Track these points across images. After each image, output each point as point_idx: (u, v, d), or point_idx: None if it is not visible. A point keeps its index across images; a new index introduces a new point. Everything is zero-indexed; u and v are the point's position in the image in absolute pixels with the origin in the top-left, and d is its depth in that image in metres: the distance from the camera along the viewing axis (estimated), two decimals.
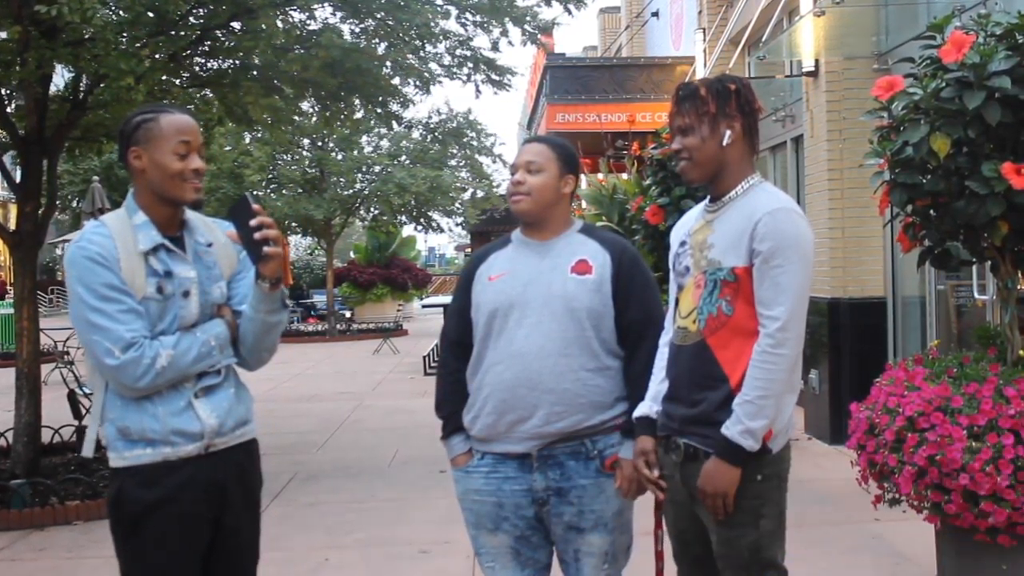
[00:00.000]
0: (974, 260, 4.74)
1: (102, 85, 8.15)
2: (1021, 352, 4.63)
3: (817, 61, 9.67)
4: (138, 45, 7.68)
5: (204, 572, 3.22)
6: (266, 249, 3.09)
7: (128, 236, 3.10)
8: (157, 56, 7.99)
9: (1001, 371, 4.46)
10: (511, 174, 3.57)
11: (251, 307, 3.21)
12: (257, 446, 3.40)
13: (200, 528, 3.16)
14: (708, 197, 3.36)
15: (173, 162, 3.09)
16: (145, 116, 3.15)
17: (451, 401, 3.62)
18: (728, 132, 3.21)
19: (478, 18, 9.77)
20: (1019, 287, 4.74)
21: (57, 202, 10.35)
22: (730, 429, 3.07)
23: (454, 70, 10.19)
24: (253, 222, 3.09)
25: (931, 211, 4.57)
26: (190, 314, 3.15)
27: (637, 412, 3.40)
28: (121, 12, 7.78)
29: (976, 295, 7.66)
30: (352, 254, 38.57)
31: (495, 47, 10.22)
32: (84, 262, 3.03)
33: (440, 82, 10.18)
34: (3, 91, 8.51)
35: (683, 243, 3.39)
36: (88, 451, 3.28)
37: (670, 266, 3.45)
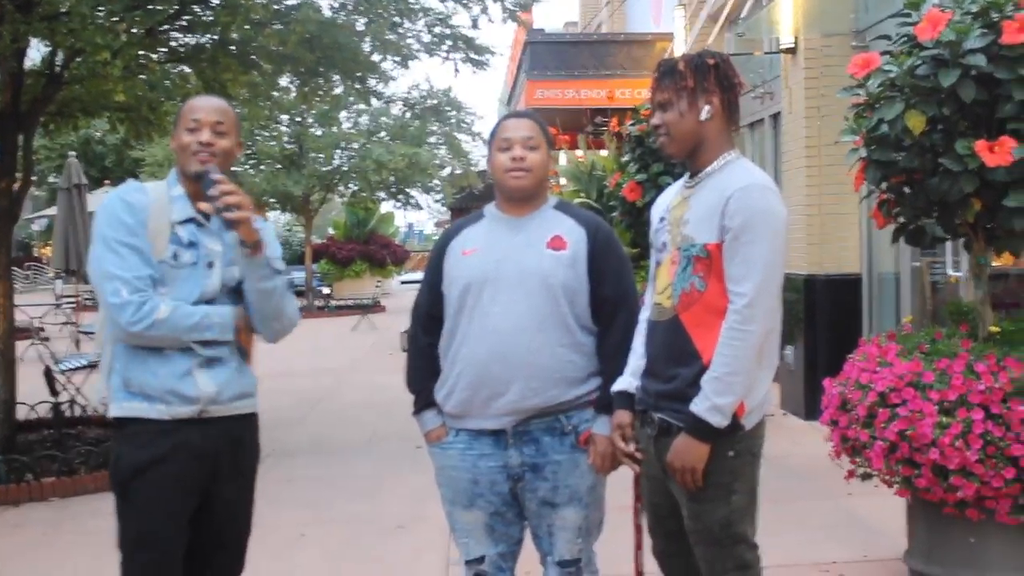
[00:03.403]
0: (948, 237, 4.76)
1: (78, 60, 8.10)
2: (992, 328, 4.66)
3: (796, 38, 9.68)
4: (114, 19, 7.61)
5: (194, 539, 3.33)
6: (226, 214, 3.22)
7: (164, 203, 3.31)
8: (133, 31, 7.92)
9: (972, 347, 4.49)
10: (502, 149, 3.51)
11: (245, 278, 3.34)
12: (256, 420, 3.54)
13: (189, 490, 3.29)
14: (687, 173, 3.37)
15: (184, 137, 3.32)
16: (183, 103, 3.47)
17: (422, 376, 3.62)
18: (707, 107, 3.22)
19: None
20: (991, 263, 4.78)
21: (33, 177, 10.29)
22: (698, 405, 3.10)
23: (433, 47, 10.15)
24: (212, 191, 3.21)
25: (905, 188, 4.59)
26: (212, 285, 3.33)
27: (616, 386, 3.42)
28: None
29: (950, 271, 7.72)
30: (331, 230, 38.43)
31: (475, 25, 10.18)
32: (116, 204, 3.27)
33: (419, 58, 10.15)
34: None
35: (662, 219, 3.40)
36: (97, 400, 3.42)
37: (651, 242, 3.47)
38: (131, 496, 3.25)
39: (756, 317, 3.08)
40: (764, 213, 3.12)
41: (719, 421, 3.09)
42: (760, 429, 3.28)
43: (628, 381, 3.40)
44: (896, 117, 4.33)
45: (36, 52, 9.10)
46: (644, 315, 3.44)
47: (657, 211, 3.47)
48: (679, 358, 3.20)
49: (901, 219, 4.75)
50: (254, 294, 3.35)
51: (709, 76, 3.24)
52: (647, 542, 3.54)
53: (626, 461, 3.41)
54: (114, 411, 3.29)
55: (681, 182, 3.42)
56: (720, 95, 3.25)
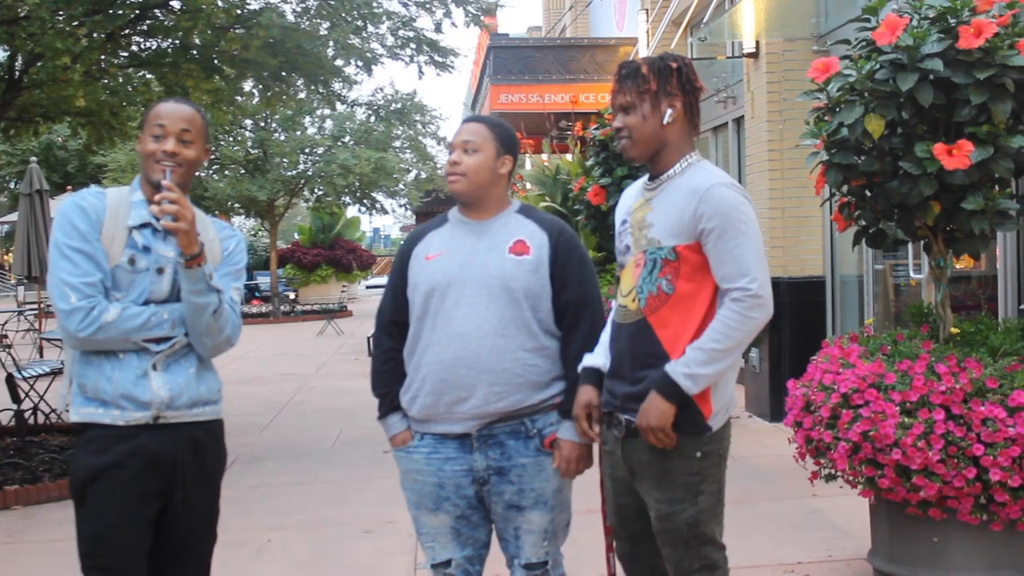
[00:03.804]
0: (908, 239, 4.81)
1: (38, 65, 8.04)
2: (952, 329, 4.72)
3: (757, 42, 9.75)
4: (75, 24, 7.56)
5: (157, 545, 3.32)
6: (162, 222, 3.19)
7: (122, 208, 3.29)
8: (94, 35, 7.88)
9: (933, 348, 4.54)
10: (449, 154, 3.57)
11: (181, 287, 3.30)
12: (220, 427, 3.52)
13: (146, 495, 3.26)
14: (648, 175, 3.38)
15: (148, 144, 3.29)
16: (149, 106, 3.45)
17: (387, 380, 3.62)
18: (669, 110, 3.25)
19: None
20: (952, 266, 4.83)
21: None
22: (675, 368, 3.12)
23: (397, 51, 10.15)
24: (156, 197, 3.19)
25: (866, 191, 4.63)
26: (161, 290, 3.30)
27: (586, 362, 3.42)
28: None
29: (911, 274, 7.79)
30: (296, 235, 38.34)
31: (438, 28, 10.20)
32: (70, 210, 3.24)
33: (382, 63, 10.15)
34: None
35: (624, 222, 3.41)
36: (62, 405, 3.41)
37: (616, 241, 3.48)
38: (86, 502, 3.24)
39: (761, 306, 3.14)
40: (735, 209, 3.17)
41: (689, 387, 3.12)
42: (727, 430, 3.31)
43: (599, 360, 3.41)
44: (856, 121, 4.37)
45: None
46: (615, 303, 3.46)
47: (619, 213, 3.49)
48: (646, 360, 3.22)
49: (862, 222, 4.79)
50: (187, 304, 3.29)
51: (672, 79, 3.26)
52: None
53: (588, 438, 3.42)
54: (73, 416, 3.28)
55: (641, 183, 3.43)
56: (682, 99, 3.28)
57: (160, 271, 3.29)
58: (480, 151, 3.49)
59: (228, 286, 3.39)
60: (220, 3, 8.44)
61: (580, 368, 3.43)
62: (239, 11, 8.83)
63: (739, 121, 11.15)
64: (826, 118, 4.63)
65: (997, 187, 4.45)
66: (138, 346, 3.23)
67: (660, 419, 3.15)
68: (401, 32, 9.94)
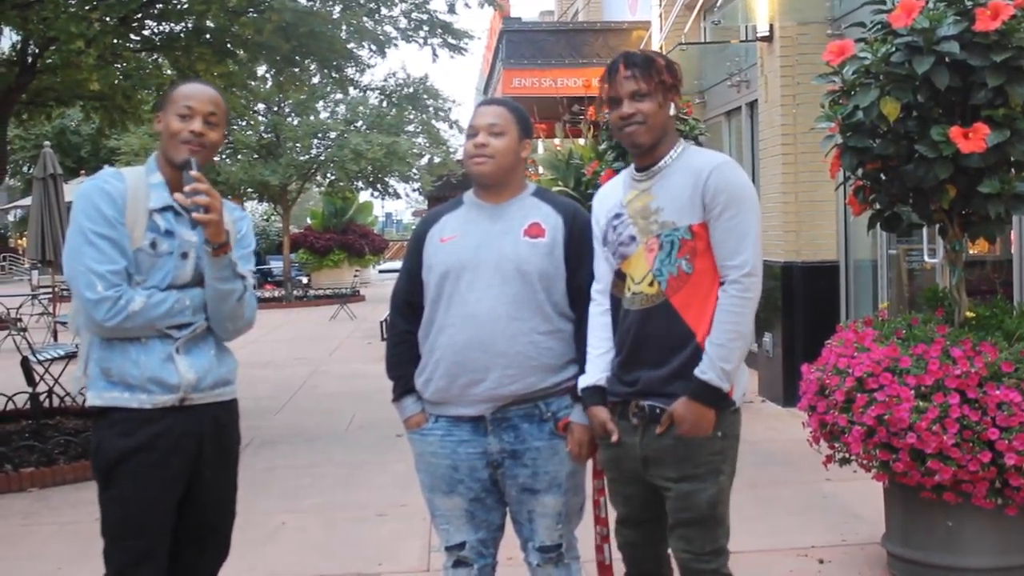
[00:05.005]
0: (923, 223, 4.79)
1: (51, 49, 8.04)
2: (967, 313, 4.70)
3: (771, 26, 9.70)
4: (88, 8, 7.56)
5: (181, 524, 3.36)
6: (193, 215, 3.21)
7: (141, 190, 3.28)
8: (107, 19, 7.87)
9: (948, 332, 4.53)
10: (469, 136, 3.54)
11: (206, 274, 3.32)
12: (237, 406, 3.54)
13: (174, 478, 3.30)
14: (633, 167, 3.44)
15: (174, 123, 3.28)
16: (171, 86, 3.43)
17: (401, 362, 3.62)
18: (671, 104, 3.37)
19: None
20: (967, 250, 4.81)
21: (8, 168, 10.23)
22: (707, 373, 3.17)
23: (410, 33, 10.14)
24: (187, 188, 3.19)
25: (881, 175, 4.61)
26: (185, 274, 3.32)
27: (585, 383, 3.43)
28: None
29: (926, 258, 7.77)
30: (308, 220, 38.33)
31: (451, 10, 10.18)
32: (95, 194, 3.23)
33: (396, 45, 10.14)
34: None
35: (618, 215, 3.42)
36: (77, 389, 3.47)
37: (600, 239, 3.48)
38: (114, 484, 3.25)
39: (755, 285, 3.21)
40: (744, 188, 3.27)
41: (724, 384, 3.19)
42: (740, 413, 3.36)
43: (595, 377, 3.42)
44: (871, 104, 4.35)
45: (7, 40, 9.04)
46: (599, 310, 3.46)
47: (606, 208, 3.49)
48: (674, 342, 3.26)
49: (877, 206, 4.78)
50: (212, 291, 3.33)
51: (677, 77, 3.39)
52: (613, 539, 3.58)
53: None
54: (93, 400, 3.27)
55: (625, 177, 3.49)
56: (677, 97, 3.41)
57: (184, 256, 3.31)
58: (505, 134, 3.50)
59: (246, 269, 3.42)
60: None
61: (581, 390, 3.44)
62: None
63: (752, 105, 11.10)
64: (841, 101, 4.61)
65: (1013, 170, 4.42)
66: (161, 332, 3.25)
67: (708, 425, 3.22)
68: (414, 14, 9.92)
